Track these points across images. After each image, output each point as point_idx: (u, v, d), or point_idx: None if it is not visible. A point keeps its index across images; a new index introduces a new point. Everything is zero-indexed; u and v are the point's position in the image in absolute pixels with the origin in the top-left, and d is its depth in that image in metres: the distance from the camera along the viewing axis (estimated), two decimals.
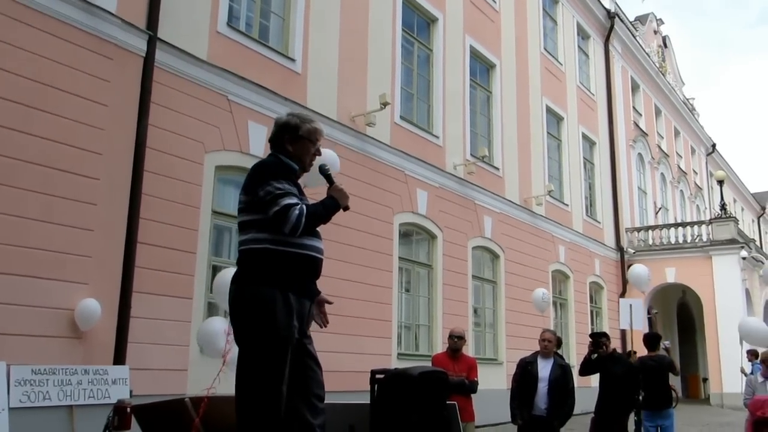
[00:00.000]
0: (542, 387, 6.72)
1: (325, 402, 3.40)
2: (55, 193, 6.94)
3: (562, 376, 6.77)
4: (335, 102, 10.95)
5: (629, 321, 11.92)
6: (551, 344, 6.94)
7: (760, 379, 6.94)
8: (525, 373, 6.86)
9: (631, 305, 12.41)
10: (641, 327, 13.29)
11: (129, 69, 7.85)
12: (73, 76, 7.26)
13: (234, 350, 4.88)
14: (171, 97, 8.29)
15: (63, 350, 6.85)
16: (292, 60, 10.30)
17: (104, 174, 7.45)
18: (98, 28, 7.54)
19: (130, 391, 7.00)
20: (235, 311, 3.30)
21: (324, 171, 3.54)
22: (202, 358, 8.08)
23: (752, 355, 13.42)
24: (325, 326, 3.66)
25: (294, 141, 3.49)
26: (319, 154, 3.59)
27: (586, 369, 7.70)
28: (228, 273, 5.42)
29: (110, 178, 7.50)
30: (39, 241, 6.76)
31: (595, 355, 7.52)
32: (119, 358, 7.30)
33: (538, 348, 7.07)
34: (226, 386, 4.00)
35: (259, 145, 9.22)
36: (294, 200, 3.24)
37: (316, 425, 3.27)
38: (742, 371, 13.01)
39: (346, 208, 3.46)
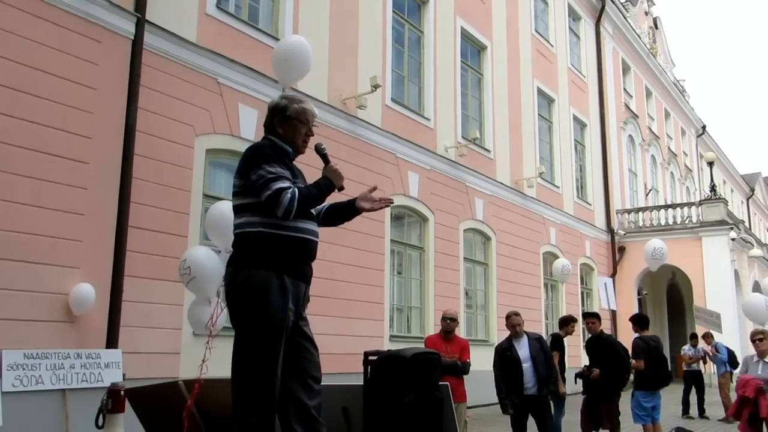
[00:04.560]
0: (527, 367, 6.77)
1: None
2: (44, 177, 6.90)
3: (540, 348, 6.87)
4: (326, 84, 10.90)
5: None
6: (520, 326, 6.98)
7: (755, 358, 7.05)
8: (506, 358, 6.84)
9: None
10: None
11: (117, 52, 7.78)
12: (61, 59, 7.19)
13: (220, 320, 4.91)
14: (160, 80, 8.23)
15: (55, 334, 6.85)
16: None
17: (94, 158, 7.40)
18: (86, 10, 7.45)
19: (123, 375, 7.02)
20: (230, 294, 3.30)
21: (320, 150, 3.53)
22: (194, 341, 8.10)
23: (694, 338, 13.71)
24: (390, 204, 3.66)
25: (283, 122, 3.47)
26: (312, 135, 3.56)
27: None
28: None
29: (100, 162, 7.45)
30: (29, 226, 6.73)
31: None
32: (112, 342, 7.31)
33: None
34: (220, 366, 4.02)
35: (249, 128, 9.18)
36: (286, 184, 3.23)
37: (312, 406, 3.28)
38: (710, 356, 13.16)
39: (340, 189, 3.45)
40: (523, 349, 6.85)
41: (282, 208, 3.18)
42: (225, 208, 5.11)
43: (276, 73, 6.09)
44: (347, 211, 3.64)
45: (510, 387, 6.76)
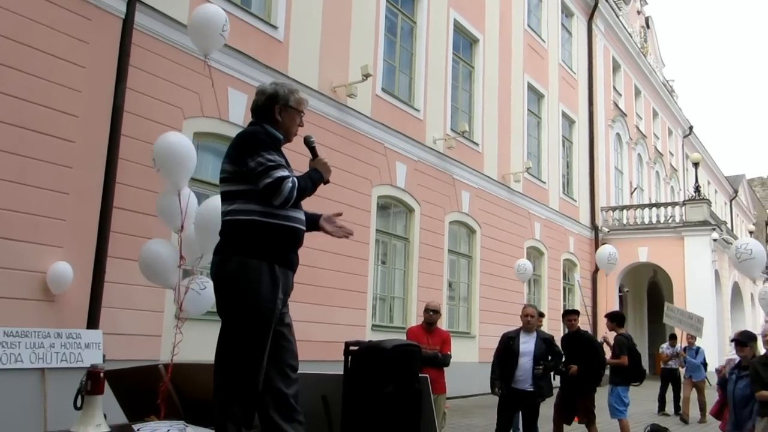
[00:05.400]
0: (525, 361, 6.85)
1: (299, 372, 3.43)
2: (29, 154, 6.84)
3: (545, 350, 6.94)
4: (317, 72, 10.86)
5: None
6: (534, 319, 7.06)
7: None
8: (506, 347, 7.00)
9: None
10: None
11: (108, 30, 7.70)
12: (50, 35, 7.11)
13: (193, 302, 4.90)
14: (150, 61, 8.16)
15: (36, 313, 6.81)
16: (275, 27, 10.17)
17: (80, 137, 7.34)
18: None
19: (103, 356, 6.98)
20: (219, 282, 3.28)
21: (309, 143, 3.54)
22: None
23: (674, 339, 13.89)
24: (348, 236, 3.67)
25: (284, 111, 3.47)
26: (302, 125, 3.58)
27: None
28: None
29: (86, 142, 7.39)
30: (12, 203, 6.67)
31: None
32: (93, 323, 7.28)
33: (517, 323, 7.21)
34: (202, 350, 4.02)
35: (238, 113, 9.13)
36: (286, 173, 3.23)
37: (289, 395, 3.29)
38: (682, 358, 13.23)
39: (326, 182, 3.47)
40: (526, 344, 6.92)
41: (282, 197, 3.18)
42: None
43: (194, 42, 6.10)
44: (310, 225, 3.59)
45: (502, 374, 6.91)
